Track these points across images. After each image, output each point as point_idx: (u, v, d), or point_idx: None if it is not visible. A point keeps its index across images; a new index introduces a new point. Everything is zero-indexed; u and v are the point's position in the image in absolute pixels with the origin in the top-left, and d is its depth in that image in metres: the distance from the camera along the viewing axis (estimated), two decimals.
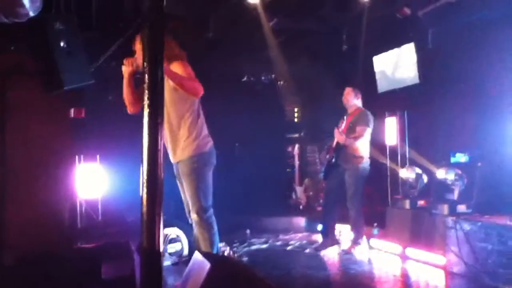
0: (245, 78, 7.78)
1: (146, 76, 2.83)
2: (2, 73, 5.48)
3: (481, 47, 5.74)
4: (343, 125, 5.45)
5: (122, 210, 5.70)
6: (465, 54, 5.98)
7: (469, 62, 5.94)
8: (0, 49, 5.26)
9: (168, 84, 3.29)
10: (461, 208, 4.79)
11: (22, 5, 3.50)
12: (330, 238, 5.56)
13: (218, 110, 6.01)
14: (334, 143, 5.46)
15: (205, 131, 3.64)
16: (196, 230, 3.63)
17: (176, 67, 3.36)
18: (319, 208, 7.72)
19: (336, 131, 5.36)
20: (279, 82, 7.70)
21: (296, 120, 8.28)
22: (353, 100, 5.56)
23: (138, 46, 3.43)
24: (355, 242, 5.40)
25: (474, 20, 5.75)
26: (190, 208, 3.58)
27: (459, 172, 4.99)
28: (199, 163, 3.50)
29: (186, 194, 3.62)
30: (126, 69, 3.40)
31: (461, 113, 6.07)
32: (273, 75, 7.70)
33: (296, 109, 8.22)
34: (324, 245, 5.52)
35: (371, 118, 5.46)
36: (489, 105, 5.75)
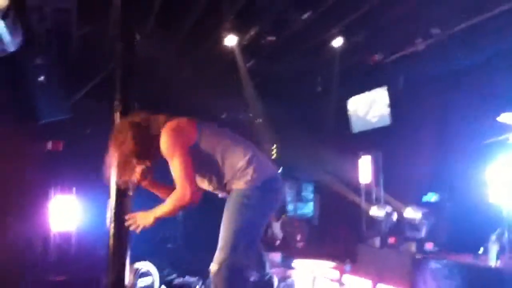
0: (223, 116, 7.95)
1: (116, 113, 2.94)
2: None
3: (447, 93, 6.05)
4: None
5: (95, 243, 5.68)
6: (434, 99, 6.27)
7: (438, 107, 6.23)
8: None
9: None
10: (428, 246, 4.91)
11: (2, 41, 3.63)
12: None
13: None
14: None
15: None
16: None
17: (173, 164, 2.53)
18: (299, 244, 7.77)
19: None
20: (256, 120, 7.87)
21: (273, 157, 8.42)
22: None
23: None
24: None
25: (439, 70, 6.11)
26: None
27: (426, 211, 5.15)
28: None
29: None
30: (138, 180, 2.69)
31: (431, 154, 6.28)
32: (250, 114, 7.87)
33: (273, 147, 8.37)
34: None
35: None
36: (459, 148, 5.99)
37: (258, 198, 2.53)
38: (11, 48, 3.81)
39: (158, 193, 2.73)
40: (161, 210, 2.53)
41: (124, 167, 2.57)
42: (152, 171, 2.66)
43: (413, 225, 5.24)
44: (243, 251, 2.49)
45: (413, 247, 4.98)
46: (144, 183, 2.67)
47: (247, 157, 2.58)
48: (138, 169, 2.58)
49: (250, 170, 2.54)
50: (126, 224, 2.55)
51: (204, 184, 2.67)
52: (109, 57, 5.53)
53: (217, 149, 2.56)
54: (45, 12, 4.15)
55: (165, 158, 2.56)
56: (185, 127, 2.58)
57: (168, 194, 2.59)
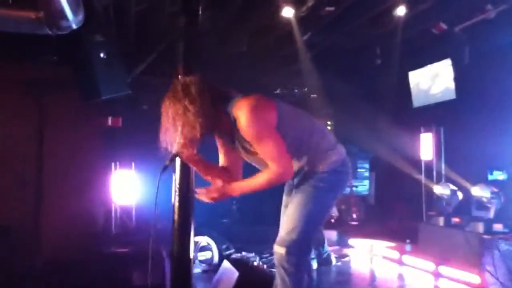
0: (278, 91, 7.83)
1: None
2: (41, 83, 5.74)
3: None
4: None
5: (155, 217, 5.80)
6: (503, 72, 5.85)
7: (507, 80, 5.82)
8: (39, 60, 5.52)
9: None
10: (497, 227, 4.66)
11: (66, 18, 3.67)
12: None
13: None
14: None
15: None
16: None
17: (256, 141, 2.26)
18: (355, 222, 7.64)
19: None
20: (311, 95, 7.70)
21: None
22: None
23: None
24: None
25: (510, 39, 5.65)
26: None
27: (496, 190, 4.86)
28: None
29: None
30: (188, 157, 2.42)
31: (498, 130, 5.92)
32: (305, 88, 7.71)
33: (328, 122, 8.19)
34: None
35: None
36: None
37: (333, 181, 2.44)
38: (74, 25, 3.84)
39: (203, 170, 2.47)
40: (250, 186, 2.34)
41: (172, 135, 2.21)
42: (198, 145, 2.36)
43: (481, 205, 4.97)
44: (311, 233, 2.45)
45: (480, 227, 4.73)
46: (186, 156, 2.36)
47: (332, 140, 2.51)
48: (183, 140, 2.21)
49: (332, 153, 2.45)
50: (203, 197, 2.37)
51: None
52: (165, 33, 5.55)
53: (299, 131, 2.40)
54: None
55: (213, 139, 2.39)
56: (265, 106, 2.30)
57: (216, 173, 2.44)
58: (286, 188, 2.66)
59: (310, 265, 2.52)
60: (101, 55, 4.57)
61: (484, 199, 4.90)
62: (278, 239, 2.39)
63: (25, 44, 4.82)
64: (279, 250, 2.35)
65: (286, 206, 2.57)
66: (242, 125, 2.21)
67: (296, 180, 2.49)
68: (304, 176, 2.45)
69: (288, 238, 2.34)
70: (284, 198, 2.66)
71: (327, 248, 5.26)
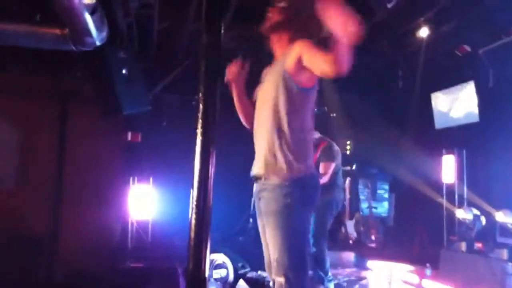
0: None
1: (200, 105, 2.90)
2: (63, 98, 5.86)
3: None
4: None
5: (171, 233, 5.81)
6: None
7: None
8: (62, 75, 5.64)
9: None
10: None
11: (90, 35, 3.75)
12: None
13: None
14: None
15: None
16: None
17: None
18: (373, 244, 7.50)
19: None
20: (331, 114, 7.66)
21: (347, 152, 8.16)
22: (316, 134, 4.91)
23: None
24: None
25: None
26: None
27: None
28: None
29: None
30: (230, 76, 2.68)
31: None
32: (325, 107, 7.68)
33: (348, 142, 8.11)
34: None
35: (336, 150, 4.91)
36: None
37: (300, 194, 2.25)
38: (98, 42, 3.93)
39: (237, 94, 2.69)
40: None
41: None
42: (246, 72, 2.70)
43: (505, 231, 4.83)
44: (302, 253, 2.27)
45: (505, 254, 4.58)
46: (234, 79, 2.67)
47: (311, 152, 2.39)
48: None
49: (306, 163, 2.28)
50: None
51: (264, 142, 2.34)
52: (188, 51, 5.62)
53: (307, 117, 2.33)
54: (129, 7, 4.25)
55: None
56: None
57: (246, 103, 2.66)
58: (257, 209, 2.51)
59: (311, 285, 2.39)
60: (124, 71, 4.65)
61: (509, 225, 4.76)
62: (273, 269, 2.26)
63: (50, 58, 4.94)
64: (278, 279, 2.23)
65: (263, 227, 2.44)
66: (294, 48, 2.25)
67: (260, 198, 2.37)
68: (268, 194, 2.31)
69: (280, 265, 2.22)
70: (258, 219, 2.51)
71: (329, 273, 4.86)
